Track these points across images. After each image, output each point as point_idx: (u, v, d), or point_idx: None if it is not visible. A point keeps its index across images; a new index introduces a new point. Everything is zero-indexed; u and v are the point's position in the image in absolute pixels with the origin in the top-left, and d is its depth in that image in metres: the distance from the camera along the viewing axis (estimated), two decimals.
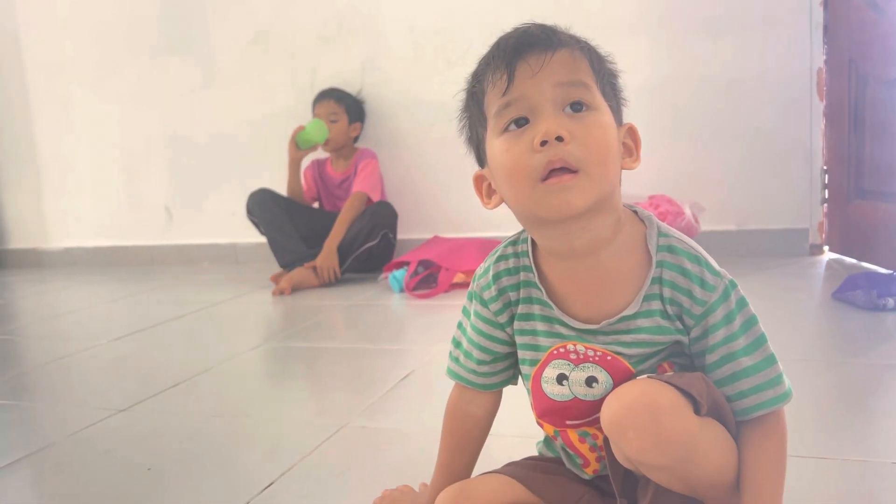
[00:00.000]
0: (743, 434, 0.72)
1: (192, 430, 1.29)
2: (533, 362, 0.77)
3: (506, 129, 0.69)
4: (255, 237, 2.93)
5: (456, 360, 0.85)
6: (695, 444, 0.66)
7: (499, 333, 0.80)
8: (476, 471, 0.86)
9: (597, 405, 0.72)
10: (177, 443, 1.24)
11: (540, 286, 0.76)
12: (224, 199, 3.30)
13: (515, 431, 1.03)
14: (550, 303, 0.75)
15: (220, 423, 1.32)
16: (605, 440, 0.70)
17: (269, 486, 1.03)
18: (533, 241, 0.77)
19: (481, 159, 0.77)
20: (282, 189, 2.87)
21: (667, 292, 0.71)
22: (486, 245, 2.59)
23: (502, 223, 2.89)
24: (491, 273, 0.79)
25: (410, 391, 1.42)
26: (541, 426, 0.81)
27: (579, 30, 0.75)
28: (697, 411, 0.67)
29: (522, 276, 0.78)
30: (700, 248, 0.73)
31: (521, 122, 0.69)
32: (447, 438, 0.86)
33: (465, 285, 2.39)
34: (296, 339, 1.91)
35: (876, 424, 1.13)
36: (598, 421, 0.71)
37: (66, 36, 3.49)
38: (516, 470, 0.83)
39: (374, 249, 2.66)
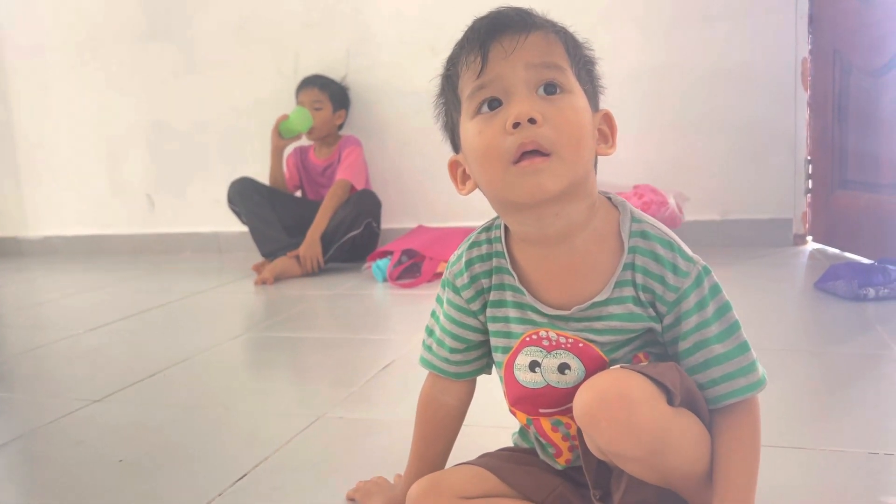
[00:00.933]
0: (716, 423, 0.71)
1: (167, 422, 1.27)
2: (506, 349, 0.77)
3: (479, 112, 0.68)
4: (238, 226, 2.90)
5: (429, 348, 0.84)
6: (668, 435, 0.65)
7: (471, 321, 0.79)
8: (451, 461, 0.85)
9: (570, 393, 0.71)
10: (150, 434, 1.22)
11: (512, 272, 0.75)
12: (206, 188, 3.26)
13: (490, 422, 1.02)
14: (522, 289, 0.74)
15: (195, 414, 1.30)
16: (579, 430, 0.69)
17: (241, 477, 1.01)
18: (506, 226, 0.77)
19: (456, 144, 0.75)
20: (265, 177, 2.84)
21: (639, 278, 0.70)
22: (470, 234, 2.57)
23: (487, 212, 2.89)
24: (464, 260, 0.78)
25: (390, 381, 1.40)
26: (514, 414, 0.80)
27: (565, 17, 0.74)
28: (671, 401, 0.66)
29: (495, 262, 0.77)
30: (673, 234, 0.72)
31: (494, 104, 0.68)
32: (421, 428, 0.85)
33: None
34: (276, 329, 1.89)
35: (852, 414, 1.13)
36: (570, 410, 0.70)
37: (46, 21, 3.43)
38: (490, 461, 0.82)
39: (358, 239, 2.64)
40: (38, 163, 3.59)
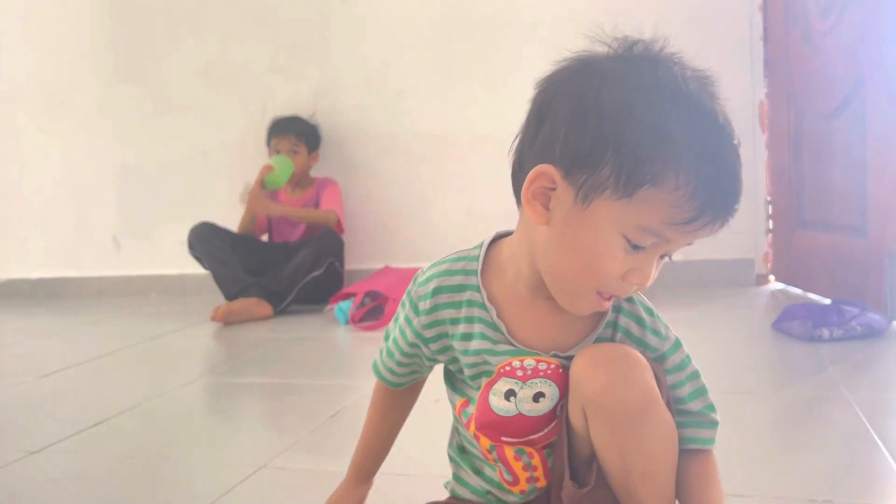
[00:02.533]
0: (685, 461, 0.74)
1: (104, 474, 1.23)
2: (488, 374, 0.75)
3: (629, 240, 0.65)
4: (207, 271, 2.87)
5: (381, 353, 0.86)
6: (651, 405, 0.69)
7: (421, 348, 0.80)
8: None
9: (539, 421, 0.73)
10: (85, 487, 1.18)
11: (488, 307, 0.74)
12: (174, 230, 3.23)
13: (421, 470, 1.00)
14: (499, 324, 0.74)
15: (133, 464, 1.26)
16: (564, 405, 0.73)
17: None
18: (485, 261, 0.76)
19: (573, 169, 0.64)
20: (233, 219, 2.82)
21: (619, 337, 0.74)
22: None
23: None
24: (432, 286, 0.76)
25: (336, 430, 1.38)
26: (476, 439, 0.78)
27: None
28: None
29: (468, 294, 0.75)
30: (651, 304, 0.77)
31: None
32: (369, 420, 0.90)
33: None
34: (231, 374, 1.86)
35: (798, 459, 1.12)
36: (534, 442, 0.74)
37: (14, 63, 3.43)
38: None
39: (321, 279, 2.62)
40: (4, 204, 3.55)
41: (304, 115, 2.93)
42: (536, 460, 0.76)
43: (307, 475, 1.16)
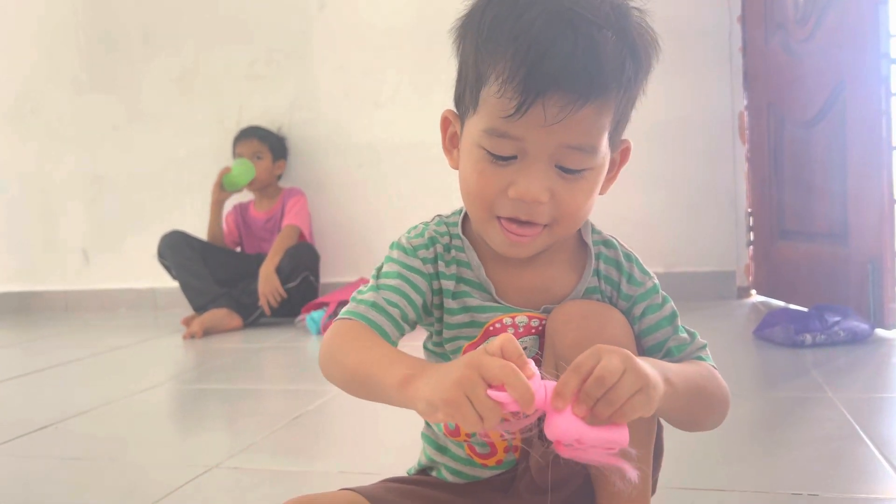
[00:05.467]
0: None
1: (44, 476, 1.15)
2: (469, 338, 0.72)
3: (485, 150, 0.63)
4: (175, 282, 2.79)
5: (368, 304, 0.69)
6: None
7: (421, 283, 0.70)
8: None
9: None
10: (24, 489, 1.10)
11: (475, 265, 0.72)
12: (144, 242, 3.13)
13: (381, 469, 0.93)
14: (487, 283, 0.71)
15: (77, 467, 1.18)
16: (540, 354, 0.70)
17: None
18: (465, 219, 0.74)
19: (455, 102, 0.70)
20: (203, 231, 2.75)
21: (602, 284, 0.72)
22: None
23: None
24: (427, 236, 0.73)
25: (297, 432, 1.30)
26: None
27: None
28: None
29: (454, 254, 0.73)
30: (631, 249, 0.74)
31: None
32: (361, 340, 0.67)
33: None
34: (194, 381, 1.78)
35: (779, 456, 1.07)
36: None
37: None
38: (375, 489, 0.76)
39: (294, 291, 2.55)
40: None
41: (275, 126, 2.88)
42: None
43: (262, 475, 1.09)
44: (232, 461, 1.14)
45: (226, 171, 2.68)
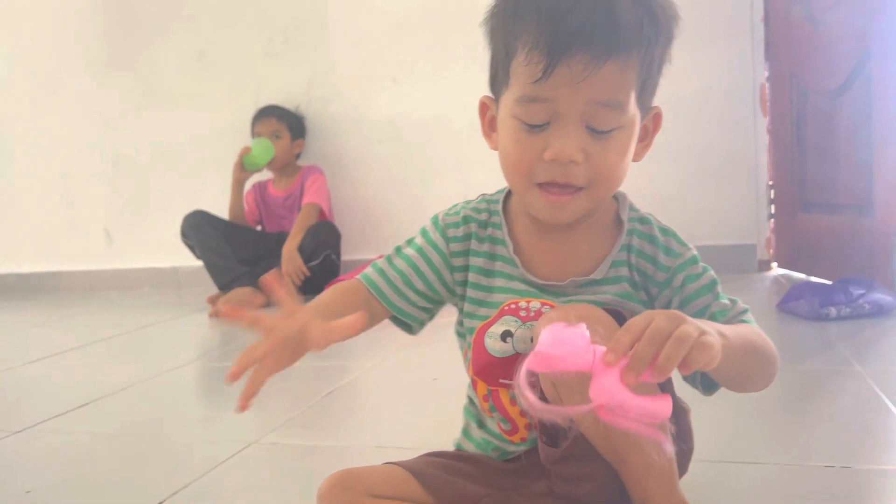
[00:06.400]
0: None
1: (87, 452, 1.18)
2: (483, 317, 0.75)
3: (519, 119, 0.67)
4: (198, 260, 2.82)
5: (383, 270, 0.79)
6: None
7: (442, 266, 0.77)
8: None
9: None
10: (67, 465, 1.13)
11: (507, 242, 0.75)
12: (166, 221, 3.16)
13: (421, 444, 0.95)
14: (515, 259, 0.75)
15: (120, 443, 1.22)
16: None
17: None
18: (507, 197, 0.78)
19: (490, 86, 0.74)
20: (225, 209, 2.77)
21: (633, 259, 0.73)
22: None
23: None
24: (462, 215, 0.78)
25: (332, 408, 1.33)
26: (474, 385, 0.78)
27: None
28: None
29: (490, 231, 0.77)
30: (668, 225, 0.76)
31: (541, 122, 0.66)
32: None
33: None
34: (224, 359, 1.81)
35: (810, 429, 1.08)
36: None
37: (3, 52, 3.38)
38: (414, 464, 0.78)
39: (317, 270, 2.57)
40: None
41: (293, 104, 2.88)
42: None
43: (298, 450, 1.12)
44: (270, 437, 1.17)
45: (246, 152, 2.70)
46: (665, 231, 0.75)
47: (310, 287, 2.57)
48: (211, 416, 1.40)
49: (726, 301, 0.73)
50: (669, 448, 0.57)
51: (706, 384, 0.73)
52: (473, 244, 0.77)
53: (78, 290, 3.36)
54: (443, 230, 0.77)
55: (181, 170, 3.20)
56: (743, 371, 0.69)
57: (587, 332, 0.55)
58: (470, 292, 0.77)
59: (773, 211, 2.57)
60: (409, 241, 0.80)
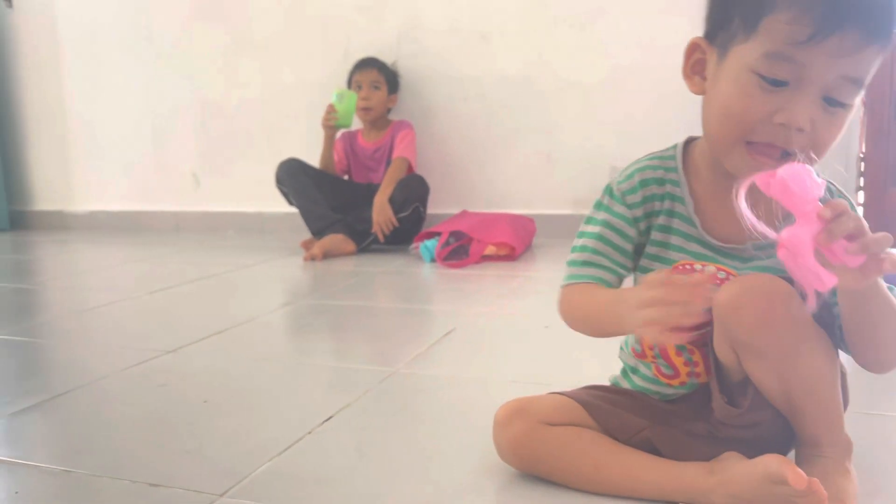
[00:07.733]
0: None
1: (244, 371, 1.29)
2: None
3: (760, 74, 0.66)
4: (282, 207, 2.92)
5: (581, 263, 0.80)
6: (802, 336, 0.69)
7: (630, 231, 0.79)
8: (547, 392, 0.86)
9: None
10: (230, 380, 1.24)
11: (687, 200, 0.77)
12: (252, 167, 3.29)
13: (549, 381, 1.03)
14: (695, 219, 0.76)
15: (269, 365, 1.32)
16: (710, 339, 0.73)
17: (328, 419, 1.03)
18: (684, 153, 0.78)
19: (713, 31, 0.72)
20: (310, 158, 2.86)
21: None
22: (517, 220, 2.59)
23: (532, 200, 2.90)
24: (637, 179, 0.78)
25: (455, 345, 1.41)
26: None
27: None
28: None
29: (668, 188, 0.78)
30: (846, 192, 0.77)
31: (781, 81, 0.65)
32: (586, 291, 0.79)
33: (496, 258, 2.39)
34: (331, 298, 1.91)
35: None
36: (697, 338, 0.75)
37: (96, 1, 3.49)
38: (580, 394, 0.84)
39: (406, 221, 2.65)
40: (87, 138, 3.64)
41: (386, 60, 2.93)
42: (697, 356, 0.79)
43: (437, 380, 1.20)
44: (408, 368, 1.26)
45: (331, 110, 2.74)
46: (853, 207, 0.75)
47: (398, 237, 2.66)
48: (339, 348, 1.50)
49: None
50: (816, 300, 0.60)
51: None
52: (655, 204, 0.78)
53: (165, 230, 3.51)
54: (621, 199, 0.79)
55: (267, 118, 3.29)
56: (887, 332, 0.71)
57: (822, 191, 0.60)
58: (649, 248, 0.79)
59: (861, 183, 2.56)
60: (590, 220, 0.80)
